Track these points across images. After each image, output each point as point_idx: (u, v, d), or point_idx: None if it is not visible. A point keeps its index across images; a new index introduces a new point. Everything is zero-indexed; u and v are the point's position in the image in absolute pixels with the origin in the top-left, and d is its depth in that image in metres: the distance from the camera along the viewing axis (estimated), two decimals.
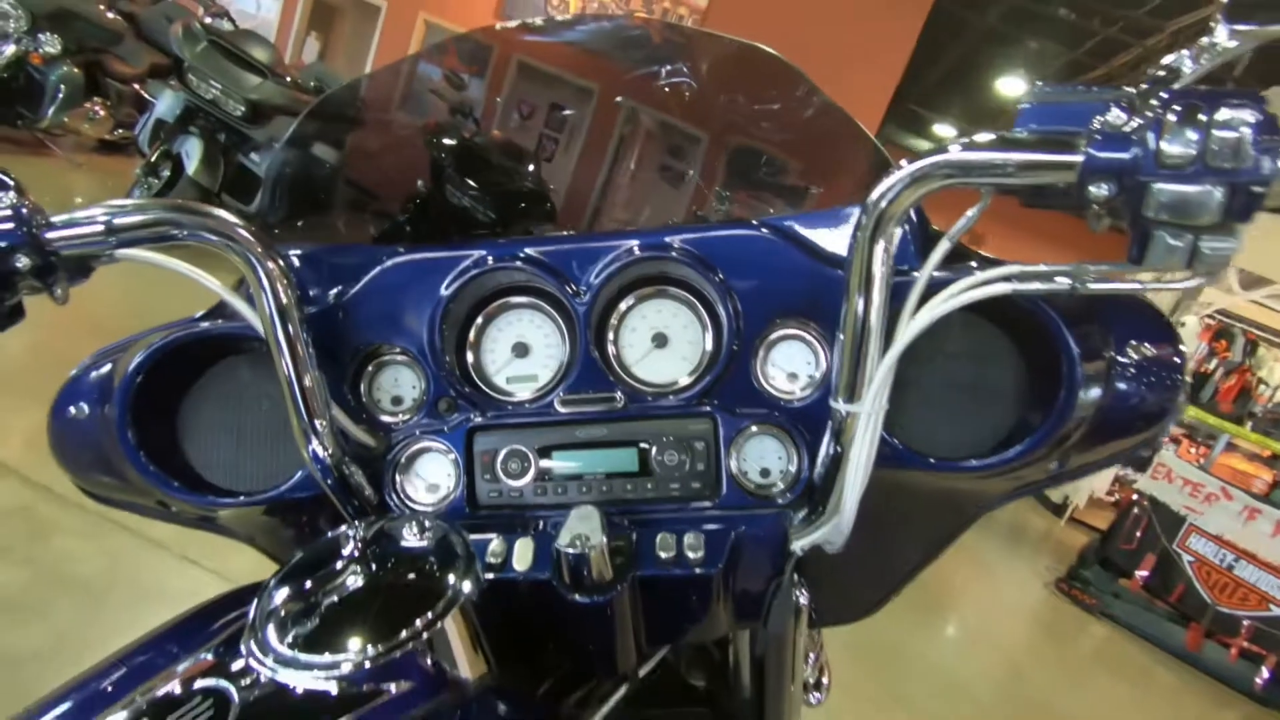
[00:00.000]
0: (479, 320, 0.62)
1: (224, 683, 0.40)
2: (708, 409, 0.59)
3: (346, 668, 0.40)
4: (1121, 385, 0.53)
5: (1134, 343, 0.54)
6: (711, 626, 0.58)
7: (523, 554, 0.54)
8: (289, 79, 4.43)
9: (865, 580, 0.68)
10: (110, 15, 4.55)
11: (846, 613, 0.70)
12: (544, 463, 0.60)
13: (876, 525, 0.65)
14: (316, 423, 0.54)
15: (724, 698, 0.69)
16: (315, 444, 0.55)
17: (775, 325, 0.58)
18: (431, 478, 0.61)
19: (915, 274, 0.49)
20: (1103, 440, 0.55)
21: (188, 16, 4.44)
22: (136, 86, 4.92)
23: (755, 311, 0.58)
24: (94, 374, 0.60)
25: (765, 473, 0.59)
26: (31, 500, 2.00)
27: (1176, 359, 0.54)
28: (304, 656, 0.40)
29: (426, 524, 0.48)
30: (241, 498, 0.59)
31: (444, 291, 0.59)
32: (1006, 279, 0.45)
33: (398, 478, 0.61)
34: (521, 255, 0.59)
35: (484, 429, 0.60)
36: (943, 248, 0.47)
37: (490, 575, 0.54)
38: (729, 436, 0.58)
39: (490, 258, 0.59)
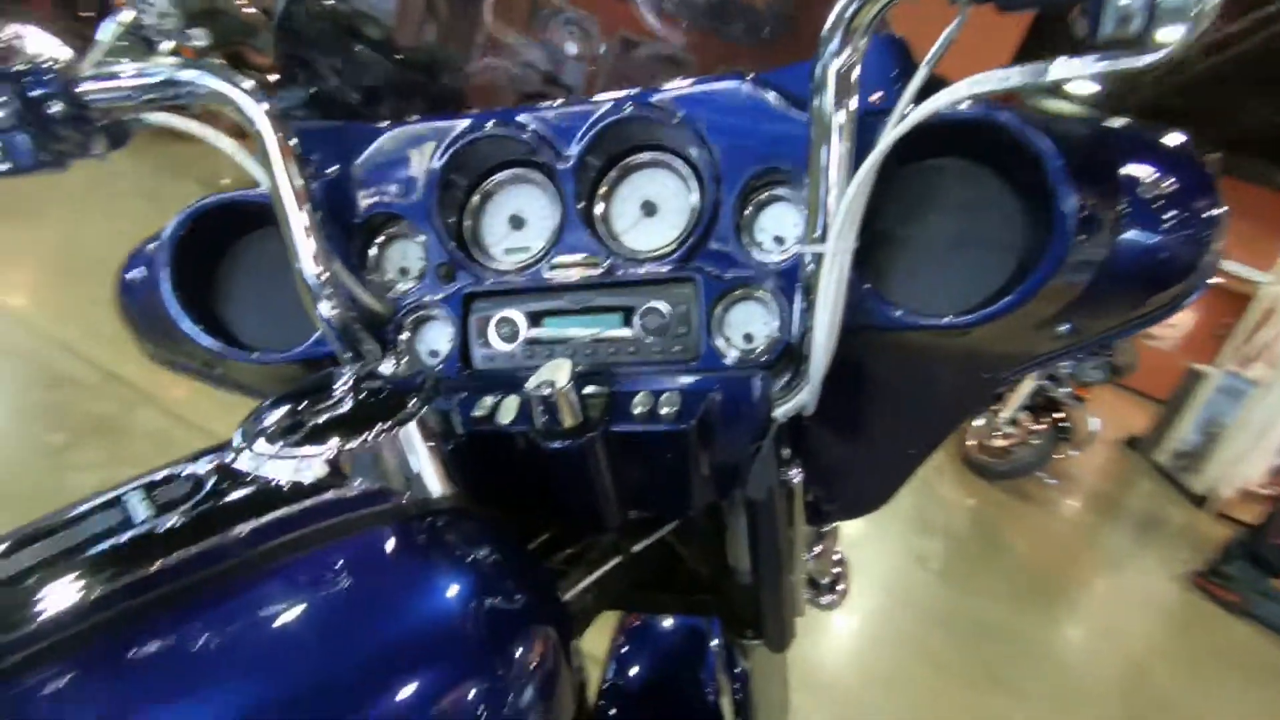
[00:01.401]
0: (477, 195, 0.65)
1: (200, 469, 0.45)
2: (690, 273, 0.58)
3: (314, 461, 0.44)
4: (1136, 230, 0.48)
5: (1152, 181, 0.48)
6: (690, 490, 0.57)
7: (508, 408, 0.56)
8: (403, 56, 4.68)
9: (868, 470, 0.66)
10: (248, 10, 4.99)
11: (851, 507, 0.68)
12: (534, 327, 0.62)
13: (875, 407, 0.62)
14: (323, 282, 0.58)
15: (726, 586, 0.69)
16: (323, 304, 0.59)
17: (761, 184, 0.57)
18: (432, 344, 0.65)
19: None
20: (1118, 297, 0.50)
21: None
22: (271, 77, 5.38)
23: (738, 168, 0.56)
24: (150, 246, 0.68)
25: (749, 338, 0.58)
26: None
27: (1207, 201, 0.48)
28: (276, 449, 0.44)
29: (413, 367, 0.51)
30: (270, 355, 0.65)
31: (439, 159, 0.61)
32: (969, 88, 0.41)
33: (401, 342, 0.65)
34: (507, 120, 0.60)
35: (479, 296, 0.63)
36: (920, 75, 0.44)
37: (477, 428, 0.56)
38: (710, 300, 0.58)
39: (478, 124, 0.61)
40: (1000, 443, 4.73)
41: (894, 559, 3.51)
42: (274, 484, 0.44)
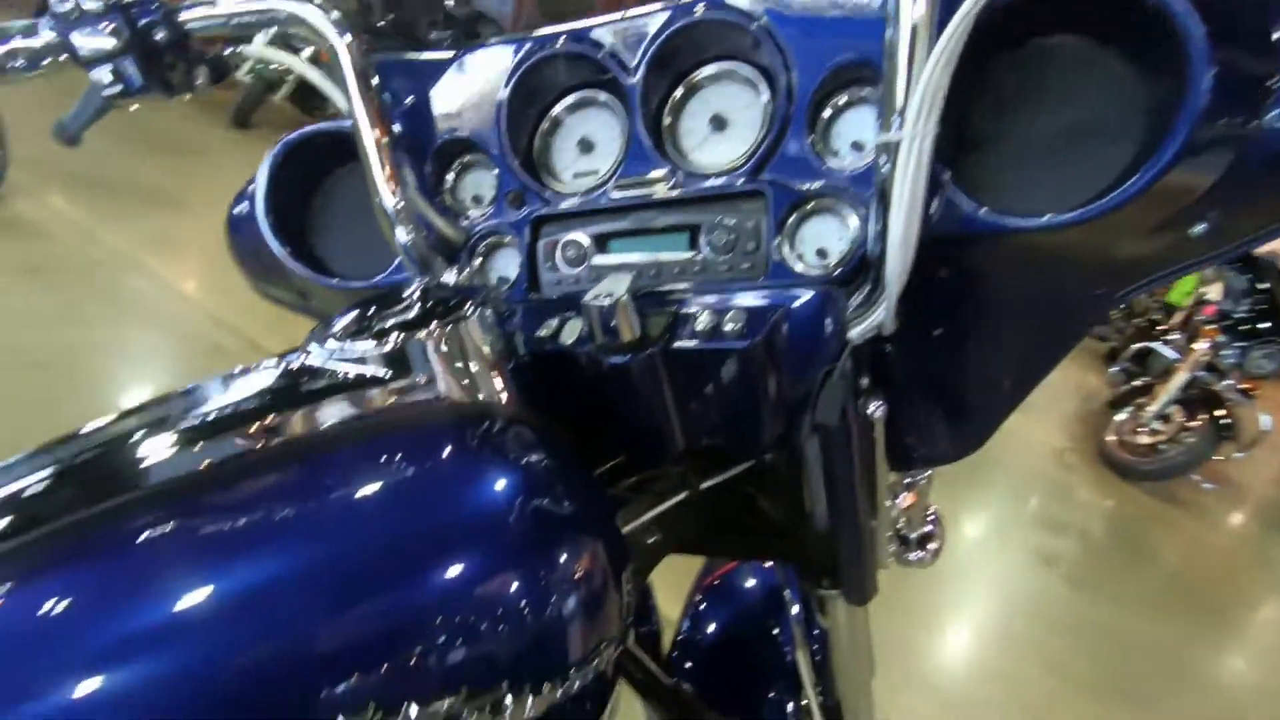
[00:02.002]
0: (546, 120, 0.65)
1: (270, 364, 0.47)
2: (760, 186, 0.55)
3: (374, 354, 0.46)
4: None
5: None
6: (757, 417, 0.55)
7: (572, 329, 0.56)
8: None
9: (960, 406, 0.60)
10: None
11: (940, 449, 0.62)
12: (599, 250, 0.61)
13: (967, 332, 0.56)
14: (400, 210, 0.60)
15: (802, 531, 0.65)
16: (400, 230, 0.61)
17: (839, 85, 0.53)
18: (502, 270, 0.65)
19: None
20: (1267, 188, 0.42)
21: None
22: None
23: (814, 68, 0.53)
24: (252, 185, 0.73)
25: (822, 254, 0.54)
26: None
27: None
28: (341, 345, 0.46)
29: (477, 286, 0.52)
30: (353, 282, 0.69)
31: (508, 81, 0.62)
32: None
33: (472, 268, 0.66)
34: (578, 36, 0.60)
35: (548, 220, 0.63)
36: None
37: (541, 348, 0.56)
38: (780, 213, 0.54)
39: (546, 41, 0.60)
40: (1146, 440, 4.26)
41: (1017, 560, 3.26)
42: (338, 376, 0.46)
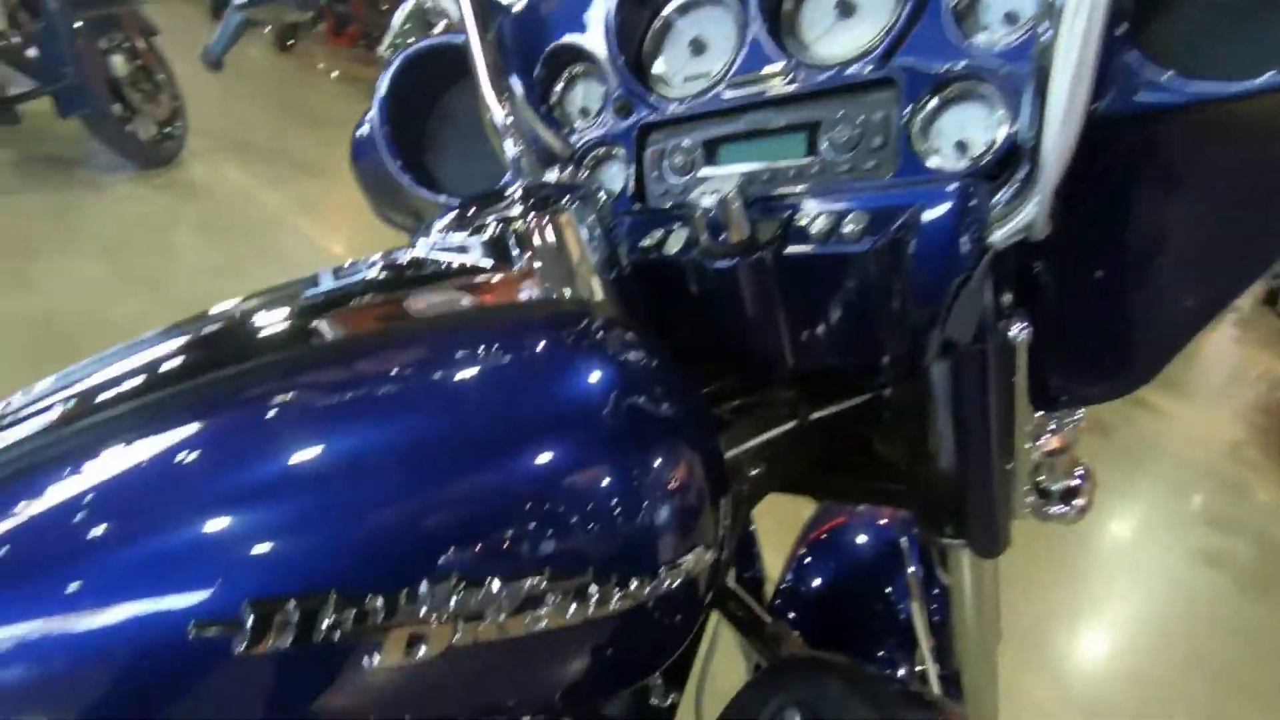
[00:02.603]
0: (658, 21, 0.61)
1: (378, 259, 0.48)
2: (892, 73, 0.49)
3: (474, 243, 0.47)
4: None
5: None
6: (877, 332, 0.49)
7: (677, 239, 0.54)
8: None
9: (1123, 333, 0.51)
10: None
11: (1096, 384, 0.54)
12: (709, 159, 0.58)
13: (1138, 239, 0.48)
14: (509, 123, 0.59)
15: (924, 471, 0.59)
16: (508, 143, 0.60)
17: None
18: (609, 182, 0.63)
19: None
20: None
21: None
22: None
23: None
24: (371, 112, 0.75)
25: (962, 147, 0.48)
26: None
27: None
28: (443, 237, 0.48)
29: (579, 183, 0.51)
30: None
31: None
32: None
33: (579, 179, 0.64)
34: None
35: (656, 127, 0.60)
36: None
37: (644, 258, 0.54)
38: (914, 101, 0.48)
39: None
40: None
41: (1176, 560, 2.92)
42: (440, 265, 0.47)
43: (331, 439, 0.36)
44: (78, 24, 3.05)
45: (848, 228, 0.46)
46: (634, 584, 0.39)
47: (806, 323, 0.50)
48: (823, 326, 0.50)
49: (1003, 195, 0.45)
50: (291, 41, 6.05)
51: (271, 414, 0.37)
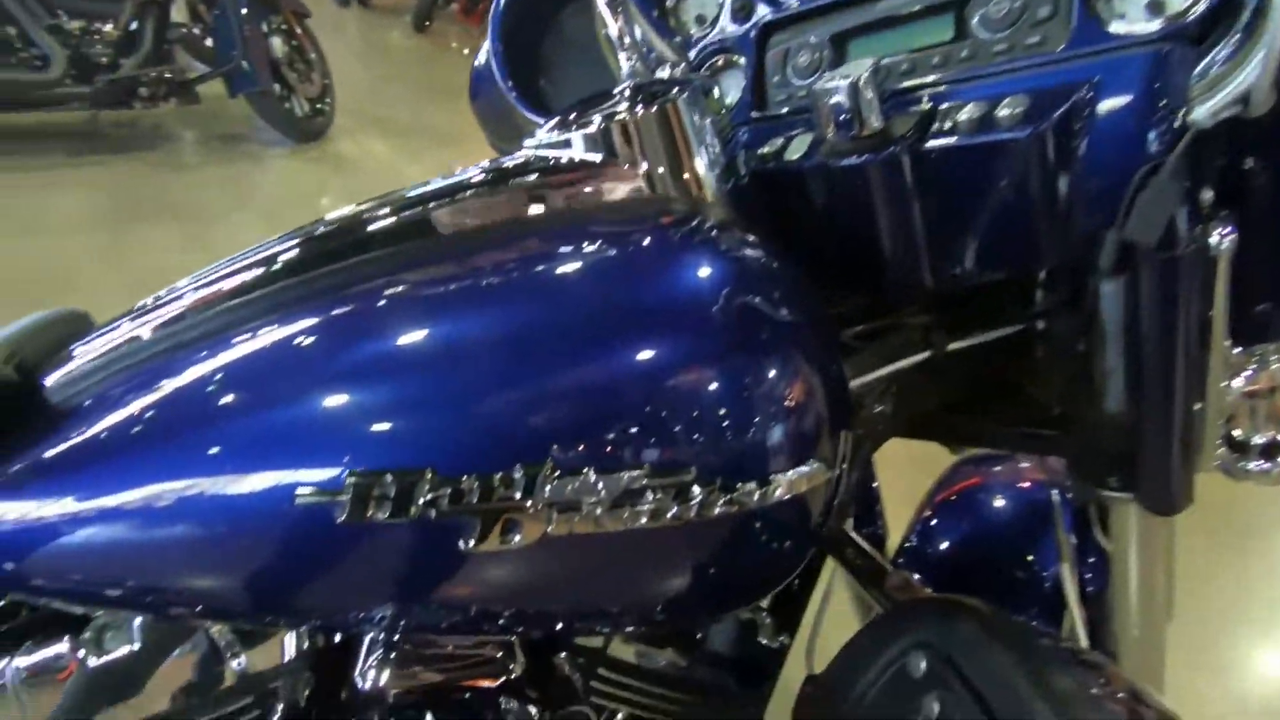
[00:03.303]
0: None
1: (487, 163, 0.48)
2: None
3: (581, 136, 0.47)
4: None
5: None
6: (1036, 237, 0.42)
7: (799, 144, 0.49)
8: None
9: None
10: None
11: None
12: (837, 56, 0.52)
13: None
14: (623, 37, 0.57)
15: (1085, 411, 0.51)
16: (623, 57, 0.58)
17: None
18: (727, 93, 0.59)
19: None
20: None
21: None
22: None
23: None
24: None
25: (1156, 7, 0.39)
26: None
27: None
28: (549, 137, 0.48)
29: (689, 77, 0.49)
30: None
31: None
32: None
33: None
34: None
35: (777, 25, 0.55)
36: None
37: (763, 166, 0.51)
38: None
39: None
40: None
41: None
42: (546, 163, 0.47)
43: (434, 324, 0.37)
44: (244, 9, 3.34)
45: (1003, 112, 0.40)
46: (740, 490, 0.37)
47: (948, 232, 0.44)
48: (967, 235, 0.44)
49: (1212, 58, 0.37)
50: (428, 23, 6.36)
51: (380, 302, 0.38)
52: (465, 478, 0.34)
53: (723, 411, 0.36)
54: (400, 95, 4.96)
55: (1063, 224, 0.41)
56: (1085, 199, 0.40)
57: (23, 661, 0.44)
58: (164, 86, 3.34)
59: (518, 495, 0.35)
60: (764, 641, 0.57)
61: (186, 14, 3.60)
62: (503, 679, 0.48)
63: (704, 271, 0.39)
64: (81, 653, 0.44)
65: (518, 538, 0.35)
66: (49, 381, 0.40)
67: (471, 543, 0.35)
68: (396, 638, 0.46)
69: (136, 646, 0.45)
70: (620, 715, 0.56)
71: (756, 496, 0.37)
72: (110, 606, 0.42)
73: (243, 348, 0.37)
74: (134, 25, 3.25)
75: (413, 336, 0.37)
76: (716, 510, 0.36)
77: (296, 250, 0.43)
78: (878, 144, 0.42)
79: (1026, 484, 0.78)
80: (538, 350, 0.37)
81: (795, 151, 0.49)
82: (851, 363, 0.50)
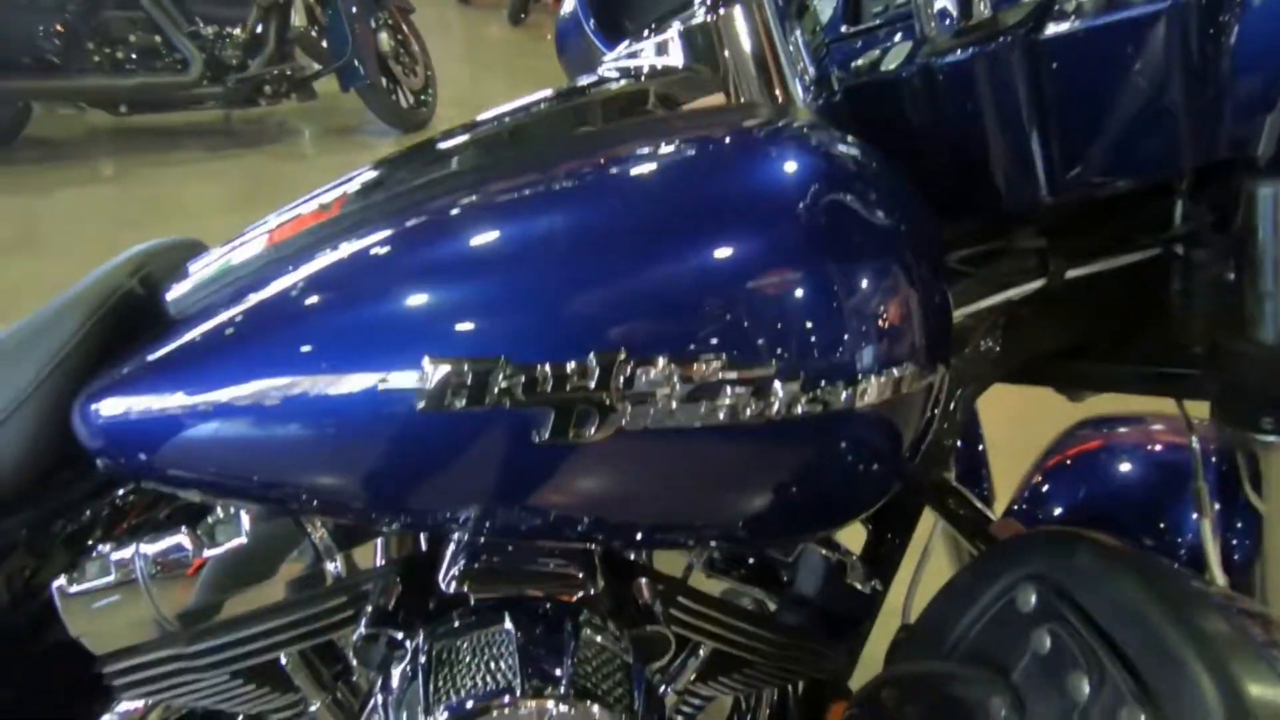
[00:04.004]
0: None
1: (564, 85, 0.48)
2: None
3: (653, 44, 0.48)
4: None
5: None
6: (1173, 136, 0.38)
7: (897, 53, 0.46)
8: None
9: None
10: None
11: None
12: None
13: None
14: None
15: (1235, 345, 0.45)
16: None
17: None
18: (819, 14, 0.56)
19: None
20: None
21: None
22: None
23: None
24: None
25: None
26: None
27: None
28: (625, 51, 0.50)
29: None
30: None
31: None
32: None
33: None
34: None
35: None
36: None
37: (857, 81, 0.48)
38: None
39: None
40: None
41: None
42: (628, 70, 0.48)
43: (509, 219, 0.38)
44: (354, 8, 3.53)
45: None
46: (824, 389, 0.35)
47: (1069, 134, 0.40)
48: (1093, 137, 0.39)
49: None
50: (524, 15, 6.52)
51: (457, 204, 0.40)
52: (539, 366, 0.35)
53: (808, 306, 0.35)
54: (497, 85, 5.12)
55: (1209, 117, 0.36)
56: (1238, 85, 0.35)
57: (147, 549, 0.48)
58: (285, 84, 3.59)
59: (591, 384, 0.34)
60: (856, 585, 0.55)
61: (304, 16, 3.86)
62: (581, 594, 0.49)
63: (788, 163, 0.38)
64: (195, 545, 0.48)
65: (592, 430, 0.35)
66: (169, 295, 0.44)
67: (546, 433, 0.35)
68: (479, 545, 0.48)
69: (245, 541, 0.49)
70: (703, 649, 0.55)
71: (844, 397, 0.35)
72: (219, 495, 0.47)
73: (333, 255, 0.40)
74: (259, 28, 3.51)
75: (488, 233, 0.38)
76: (799, 410, 0.35)
77: (382, 171, 0.45)
78: (987, 35, 0.39)
79: (1157, 446, 0.71)
80: (614, 239, 0.37)
81: (893, 61, 0.46)
82: (956, 290, 0.46)
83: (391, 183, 0.44)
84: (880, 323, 0.36)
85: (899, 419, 0.38)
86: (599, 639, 0.48)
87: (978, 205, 0.47)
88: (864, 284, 0.36)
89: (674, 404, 0.35)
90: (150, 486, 0.47)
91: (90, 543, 0.53)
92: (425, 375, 0.35)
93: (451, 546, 0.49)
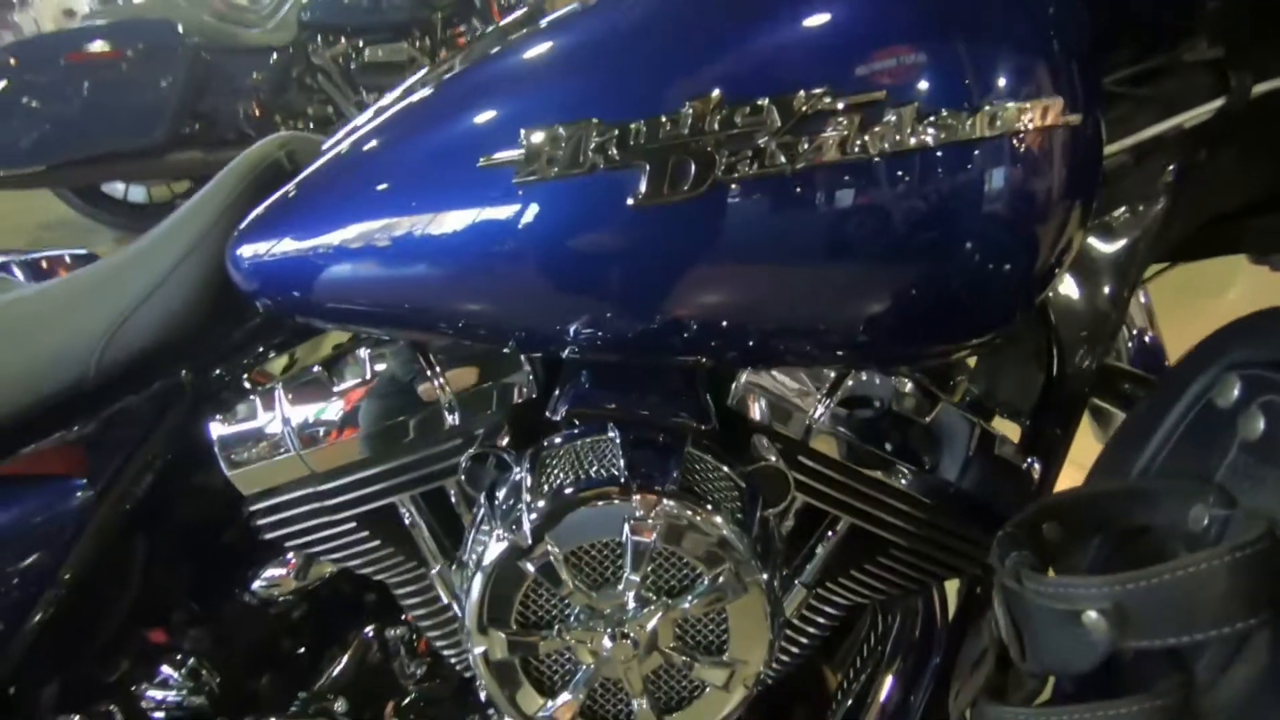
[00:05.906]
0: None
1: None
2: None
3: None
4: None
5: None
6: None
7: None
8: None
9: None
10: None
11: None
12: None
13: None
14: None
15: None
16: None
17: None
18: None
19: None
20: None
21: None
22: None
23: None
24: None
25: None
26: None
27: None
28: None
29: None
30: None
31: None
32: None
33: None
34: None
35: None
36: None
37: None
38: None
39: None
40: None
41: None
42: None
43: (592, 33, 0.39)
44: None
45: None
46: (941, 116, 0.31)
47: None
48: None
49: None
50: None
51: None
52: (632, 124, 0.34)
53: (917, 25, 0.32)
54: None
55: None
56: None
57: (288, 390, 0.53)
58: None
59: (685, 131, 0.33)
60: (1006, 457, 0.48)
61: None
62: (693, 426, 0.47)
63: None
64: (327, 382, 0.51)
65: (687, 184, 0.34)
66: (308, 167, 0.49)
67: (642, 190, 0.34)
68: (587, 376, 0.47)
69: (370, 379, 0.51)
70: (839, 527, 0.50)
71: (969, 124, 0.31)
72: (362, 324, 0.50)
73: (426, 90, 0.44)
74: None
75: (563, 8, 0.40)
76: (913, 140, 0.31)
77: (475, 43, 0.49)
78: None
79: None
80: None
81: None
82: (1114, 116, 0.40)
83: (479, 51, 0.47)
84: (1007, 44, 0.32)
85: (1032, 174, 0.33)
86: (709, 457, 0.45)
87: (1141, 16, 0.40)
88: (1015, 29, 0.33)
89: (773, 144, 0.32)
90: (304, 322, 0.50)
91: (244, 387, 0.58)
92: (520, 143, 0.36)
93: (560, 380, 0.50)
